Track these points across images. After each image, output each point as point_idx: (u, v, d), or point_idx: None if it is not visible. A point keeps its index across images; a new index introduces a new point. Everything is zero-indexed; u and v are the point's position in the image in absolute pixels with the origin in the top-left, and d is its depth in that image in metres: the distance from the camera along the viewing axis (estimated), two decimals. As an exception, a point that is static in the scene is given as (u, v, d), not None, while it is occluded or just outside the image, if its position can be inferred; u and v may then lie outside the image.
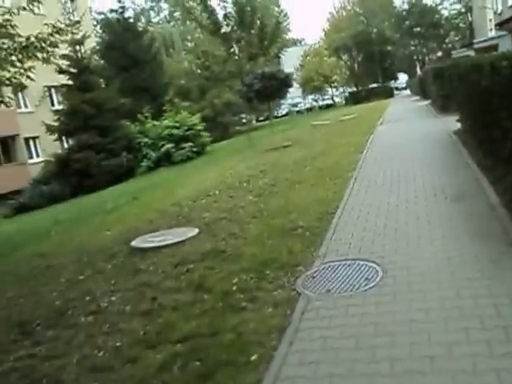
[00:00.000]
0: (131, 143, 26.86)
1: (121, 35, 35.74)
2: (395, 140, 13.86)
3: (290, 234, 6.73)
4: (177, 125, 26.21)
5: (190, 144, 25.75)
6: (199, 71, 40.78)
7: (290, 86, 32.30)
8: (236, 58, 19.27)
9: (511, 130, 5.38)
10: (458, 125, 12.24)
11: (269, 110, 35.80)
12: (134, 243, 8.06)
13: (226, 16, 17.96)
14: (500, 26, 26.16)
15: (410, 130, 15.43)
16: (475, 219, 5.85)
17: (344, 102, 61.48)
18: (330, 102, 65.98)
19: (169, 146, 25.32)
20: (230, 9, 21.16)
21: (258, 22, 26.94)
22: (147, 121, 27.40)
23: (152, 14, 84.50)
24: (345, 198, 7.98)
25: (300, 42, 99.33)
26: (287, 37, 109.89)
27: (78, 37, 28.37)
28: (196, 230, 8.05)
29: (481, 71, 7.05)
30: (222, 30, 21.14)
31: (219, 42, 20.74)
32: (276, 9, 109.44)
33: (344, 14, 67.29)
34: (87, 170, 25.09)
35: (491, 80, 6.18)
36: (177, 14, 78.18)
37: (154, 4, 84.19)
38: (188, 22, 62.99)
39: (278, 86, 30.97)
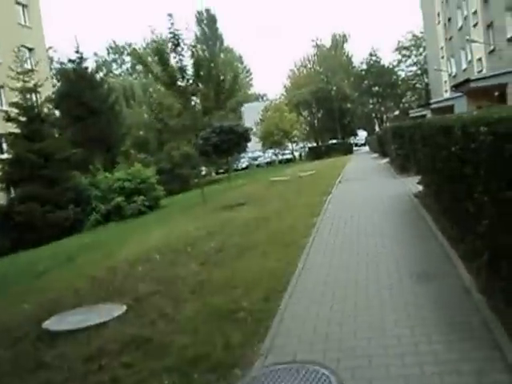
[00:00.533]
0: (80, 195, 25.42)
1: (76, 84, 34.86)
2: (354, 202, 13.02)
3: (230, 318, 5.61)
4: (129, 177, 25.02)
5: (143, 198, 24.55)
6: (157, 123, 40.15)
7: (249, 140, 31.83)
8: (191, 111, 18.80)
9: (487, 205, 4.52)
10: (419, 187, 11.59)
11: (227, 164, 35.00)
12: (47, 323, 6.73)
13: (181, 69, 17.46)
14: (456, 87, 26.61)
15: (369, 191, 14.72)
16: (448, 308, 4.90)
17: (304, 157, 61.75)
18: (290, 156, 66.22)
19: (119, 199, 24.04)
20: (187, 62, 20.92)
21: (217, 75, 26.55)
22: (99, 172, 26.15)
23: (114, 65, 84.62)
24: (297, 272, 6.96)
25: (262, 98, 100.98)
26: (249, 91, 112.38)
27: (30, 85, 27.41)
28: (124, 308, 6.82)
29: (450, 135, 6.30)
30: (178, 83, 20.58)
31: (174, 95, 20.21)
32: (239, 65, 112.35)
33: (305, 71, 68.90)
34: (30, 222, 23.42)
35: (464, 146, 5.40)
36: (139, 66, 78.46)
37: (116, 56, 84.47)
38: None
39: (236, 140, 30.39)
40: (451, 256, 6.45)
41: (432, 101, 38.71)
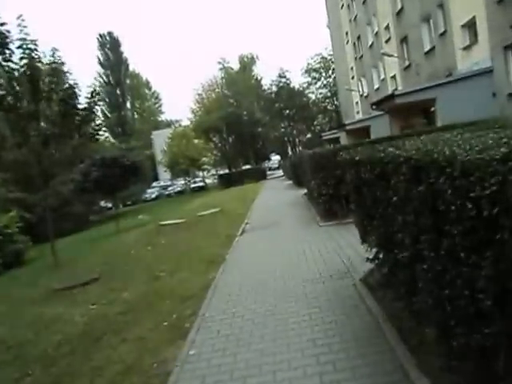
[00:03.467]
0: None
1: None
2: (256, 286, 7.91)
3: None
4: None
5: (-6, 254, 18.69)
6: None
7: (137, 174, 26.88)
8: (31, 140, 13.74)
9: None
10: (361, 248, 6.99)
11: (114, 201, 29.91)
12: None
13: (10, 81, 12.25)
14: (377, 105, 23.43)
15: (283, 258, 9.63)
16: None
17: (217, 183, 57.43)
18: (202, 184, 62.06)
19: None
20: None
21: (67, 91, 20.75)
22: None
23: None
24: None
25: (174, 124, 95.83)
26: (159, 118, 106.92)
27: None
28: None
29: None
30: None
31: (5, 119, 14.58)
32: (147, 91, 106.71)
33: (213, 95, 64.95)
34: None
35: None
36: None
37: None
38: None
39: (122, 174, 25.42)
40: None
41: (347, 122, 35.82)
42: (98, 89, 16.45)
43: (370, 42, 39.48)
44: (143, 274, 10.30)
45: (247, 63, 64.82)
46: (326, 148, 14.72)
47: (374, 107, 24.17)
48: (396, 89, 32.87)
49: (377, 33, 36.89)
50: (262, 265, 9.14)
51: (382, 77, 37.03)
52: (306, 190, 20.08)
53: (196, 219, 19.60)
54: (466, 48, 22.75)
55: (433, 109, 19.62)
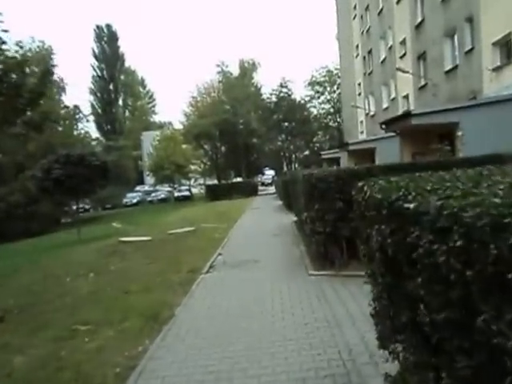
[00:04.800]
0: None
1: None
2: (222, 350, 5.05)
3: None
4: None
5: None
6: None
7: (107, 177, 23.31)
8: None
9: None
10: (369, 328, 3.54)
11: (76, 207, 26.60)
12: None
13: None
14: (386, 125, 20.11)
15: (256, 312, 6.59)
16: None
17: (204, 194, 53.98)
18: (187, 193, 58.40)
19: None
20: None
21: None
22: None
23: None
24: None
25: (168, 126, 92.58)
26: (151, 119, 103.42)
27: None
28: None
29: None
30: None
31: None
32: (141, 89, 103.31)
33: (209, 99, 61.46)
34: None
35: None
36: None
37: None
38: None
39: (88, 175, 21.90)
40: None
41: (351, 141, 32.52)
42: (51, 68, 13.02)
43: (382, 57, 36.29)
44: (59, 324, 7.19)
45: (248, 69, 61.34)
46: (326, 169, 10.84)
47: (383, 127, 20.84)
48: (408, 109, 29.64)
49: (391, 47, 33.72)
50: (220, 337, 5.81)
51: (393, 96, 33.80)
52: (295, 217, 16.69)
53: (164, 239, 16.12)
54: (496, 69, 19.60)
55: (459, 133, 16.25)
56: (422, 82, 27.14)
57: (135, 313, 7.27)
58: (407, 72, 25.80)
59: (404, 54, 30.54)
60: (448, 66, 23.63)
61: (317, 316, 6.17)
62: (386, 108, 35.46)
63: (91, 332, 6.67)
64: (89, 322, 7.12)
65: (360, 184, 3.68)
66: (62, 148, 27.99)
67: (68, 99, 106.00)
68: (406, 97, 30.80)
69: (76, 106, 50.84)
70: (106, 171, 22.45)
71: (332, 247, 8.86)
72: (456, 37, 23.08)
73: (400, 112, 30.61)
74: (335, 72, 61.42)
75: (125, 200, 63.22)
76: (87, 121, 51.06)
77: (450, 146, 15.94)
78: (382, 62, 36.50)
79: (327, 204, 8.63)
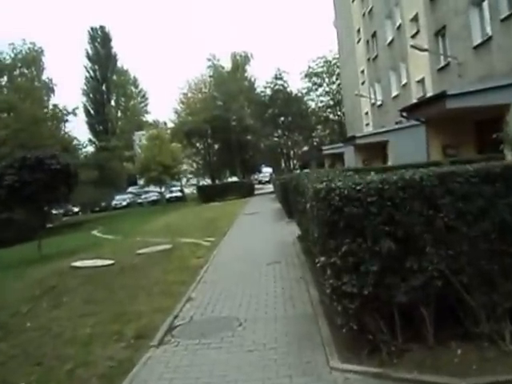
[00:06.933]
0: None
1: None
2: None
3: None
4: None
5: None
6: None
7: (70, 183, 19.27)
8: None
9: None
10: None
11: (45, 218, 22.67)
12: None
13: None
14: (409, 112, 16.16)
15: None
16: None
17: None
18: (179, 194, 55.03)
19: None
20: None
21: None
22: None
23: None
24: None
25: (157, 124, 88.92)
26: (144, 118, 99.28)
27: None
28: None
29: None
30: None
31: None
32: (133, 89, 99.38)
33: (200, 96, 57.48)
34: None
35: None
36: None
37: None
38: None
39: (47, 181, 17.94)
40: None
41: (358, 134, 28.53)
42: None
43: (389, 39, 32.18)
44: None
45: (240, 62, 57.19)
46: (356, 180, 5.49)
47: (404, 114, 16.90)
48: (423, 96, 25.64)
49: (399, 26, 29.65)
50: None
51: (404, 81, 29.72)
52: (298, 228, 12.67)
53: (127, 265, 12.13)
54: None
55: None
56: (442, 63, 23.11)
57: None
58: (425, 50, 21.79)
59: (417, 33, 26.50)
60: (477, 40, 19.62)
61: None
62: (396, 96, 31.41)
63: None
64: None
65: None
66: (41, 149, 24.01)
67: (59, 101, 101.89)
68: (421, 81, 26.78)
69: (55, 105, 46.77)
70: (69, 177, 18.53)
71: (373, 322, 4.85)
72: (486, 3, 19.08)
73: (414, 99, 26.66)
74: (334, 62, 57.34)
75: (114, 202, 60.31)
76: (75, 114, 46.93)
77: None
78: (388, 45, 32.41)
79: (365, 244, 4.71)
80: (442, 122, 15.51)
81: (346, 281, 4.71)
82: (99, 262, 12.70)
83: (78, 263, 12.99)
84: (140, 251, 14.24)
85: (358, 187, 4.75)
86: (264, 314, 6.84)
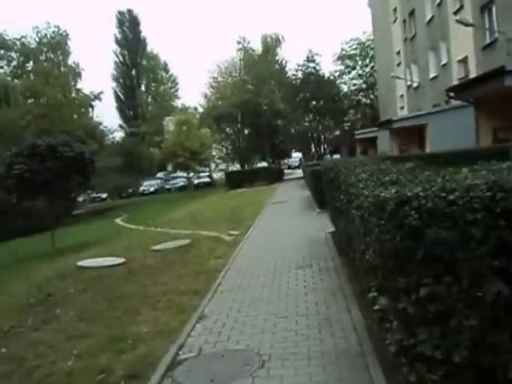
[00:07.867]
0: None
1: None
2: None
3: None
4: None
5: None
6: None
7: (86, 173, 18.39)
8: None
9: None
10: None
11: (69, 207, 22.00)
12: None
13: None
14: (457, 92, 14.63)
15: None
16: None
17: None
18: (208, 180, 54.52)
19: None
20: None
21: None
22: None
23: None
24: None
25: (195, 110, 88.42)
26: (174, 103, 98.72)
27: None
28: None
29: None
30: None
31: None
32: (164, 74, 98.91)
33: (230, 79, 56.27)
34: None
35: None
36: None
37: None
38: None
39: (59, 170, 17.06)
40: None
41: (395, 118, 26.92)
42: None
43: (428, 17, 30.30)
44: None
45: (271, 45, 55.61)
46: (444, 185, 3.12)
47: (451, 94, 15.39)
48: (464, 77, 23.87)
49: (440, 2, 27.77)
50: None
51: (444, 61, 27.91)
52: (331, 224, 11.39)
53: (138, 266, 11.04)
54: None
55: None
56: (488, 39, 21.31)
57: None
58: (471, 25, 20.03)
59: (460, 8, 24.68)
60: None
61: None
62: (435, 77, 29.61)
63: None
64: None
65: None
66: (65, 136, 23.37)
67: (88, 86, 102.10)
68: (464, 60, 24.97)
69: (78, 90, 46.26)
70: (85, 165, 17.62)
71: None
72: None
73: (454, 80, 24.89)
74: (367, 43, 55.22)
75: (142, 188, 59.84)
76: (99, 99, 46.44)
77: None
78: (428, 23, 30.52)
79: (457, 286, 2.97)
80: (493, 102, 13.95)
81: (423, 338, 3.08)
82: (107, 262, 11.74)
83: (84, 262, 12.06)
84: (155, 247, 13.25)
85: (451, 196, 2.98)
86: (294, 348, 5.29)
